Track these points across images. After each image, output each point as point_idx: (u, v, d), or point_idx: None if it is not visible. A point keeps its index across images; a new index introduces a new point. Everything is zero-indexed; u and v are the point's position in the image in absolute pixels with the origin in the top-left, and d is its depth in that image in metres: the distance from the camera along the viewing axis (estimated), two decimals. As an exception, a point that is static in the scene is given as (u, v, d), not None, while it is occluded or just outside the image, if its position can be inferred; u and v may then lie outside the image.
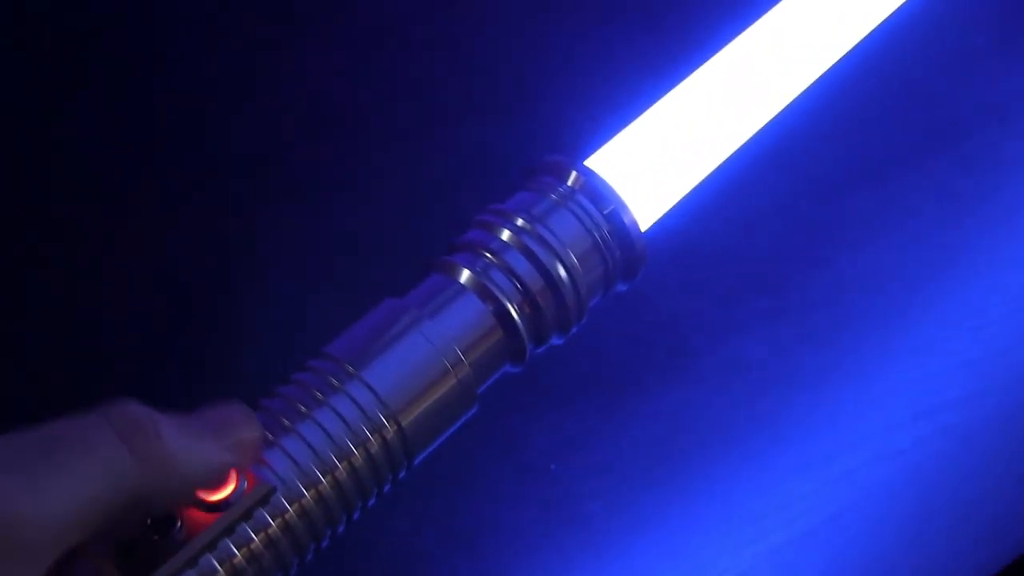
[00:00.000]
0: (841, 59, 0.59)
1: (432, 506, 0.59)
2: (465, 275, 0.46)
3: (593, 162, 0.50)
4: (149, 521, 0.38)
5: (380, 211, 0.67)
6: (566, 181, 0.48)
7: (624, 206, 0.48)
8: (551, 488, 0.60)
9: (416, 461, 0.44)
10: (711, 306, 0.66)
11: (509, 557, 0.58)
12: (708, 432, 0.62)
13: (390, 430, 0.42)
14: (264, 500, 0.39)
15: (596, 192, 0.47)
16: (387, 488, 0.44)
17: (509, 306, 0.45)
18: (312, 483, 0.41)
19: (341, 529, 0.43)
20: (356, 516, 0.43)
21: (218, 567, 0.38)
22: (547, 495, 0.60)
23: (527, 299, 0.46)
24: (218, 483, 0.38)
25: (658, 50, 0.65)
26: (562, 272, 0.46)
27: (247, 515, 0.39)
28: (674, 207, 0.53)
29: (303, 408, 0.42)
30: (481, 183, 0.67)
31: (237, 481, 0.39)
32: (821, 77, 0.58)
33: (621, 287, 0.50)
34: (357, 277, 0.64)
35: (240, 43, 0.72)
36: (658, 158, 0.51)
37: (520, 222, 0.46)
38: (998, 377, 0.64)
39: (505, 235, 0.46)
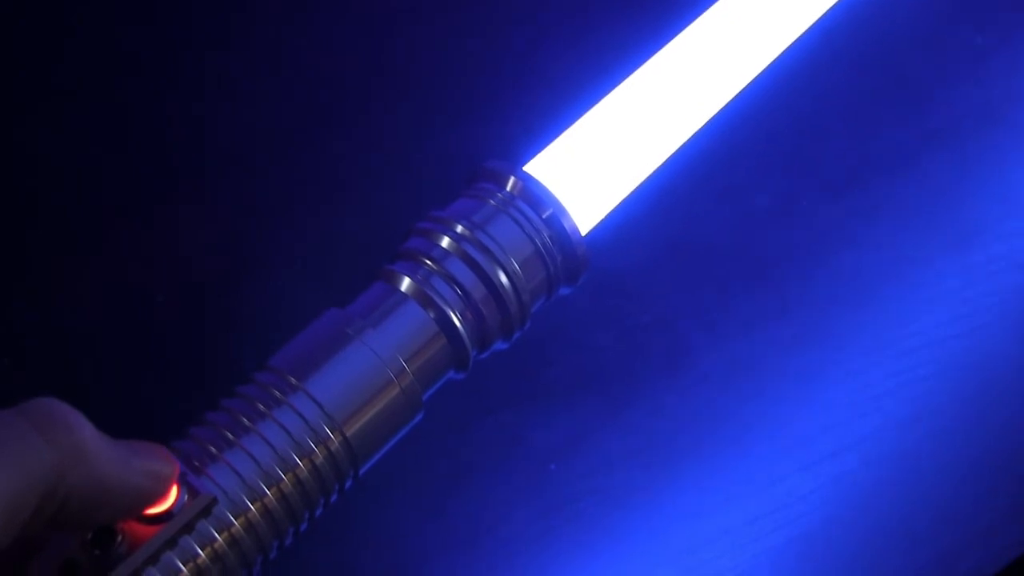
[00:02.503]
0: (839, 59, 0.59)
1: (432, 506, 0.59)
2: (407, 283, 0.46)
3: (533, 167, 0.50)
4: (90, 536, 0.38)
5: (381, 211, 0.67)
6: (505, 187, 0.48)
7: (563, 210, 0.48)
8: (551, 488, 0.60)
9: (362, 471, 0.44)
10: (710, 305, 0.66)
11: (509, 557, 0.58)
12: (708, 432, 0.62)
13: (335, 441, 0.42)
14: (206, 511, 0.39)
15: (535, 197, 0.48)
16: (334, 499, 0.44)
17: (451, 313, 0.46)
18: (257, 496, 0.41)
19: (289, 542, 0.43)
20: (304, 528, 0.43)
21: None
22: (547, 495, 0.60)
23: (469, 306, 0.46)
24: (136, 502, 0.38)
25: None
26: (503, 278, 0.46)
27: (189, 527, 0.39)
28: (669, 208, 0.53)
29: (247, 421, 0.42)
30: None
31: (178, 494, 0.39)
32: (821, 77, 0.58)
33: (564, 291, 0.50)
34: (358, 277, 0.64)
35: (241, 43, 0.72)
36: (598, 161, 0.51)
37: (460, 229, 0.47)
38: (998, 378, 0.65)
39: (445, 242, 0.46)
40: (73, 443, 0.35)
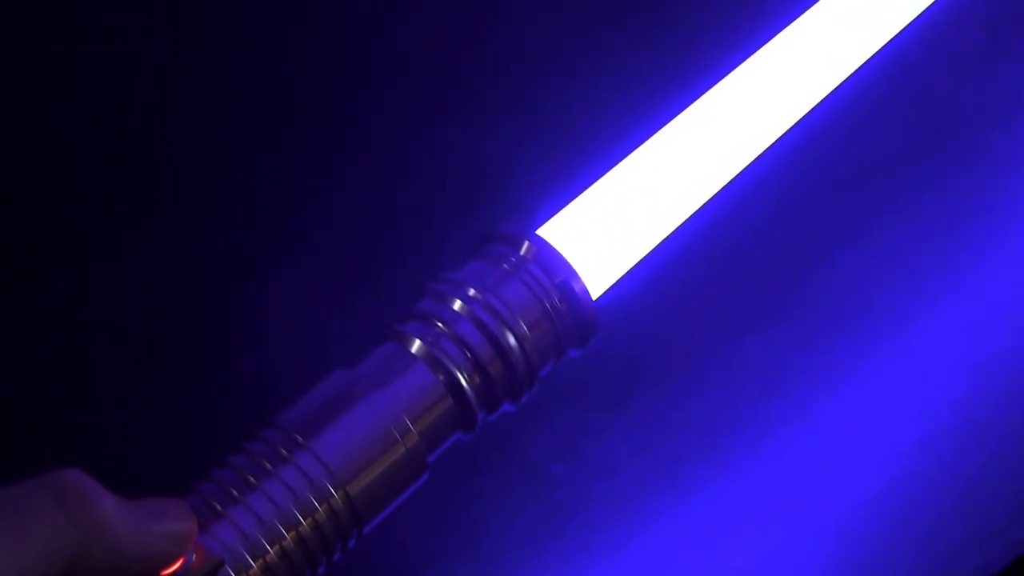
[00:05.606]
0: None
1: (433, 507, 0.59)
2: (416, 345, 0.46)
3: (547, 230, 0.51)
4: None
5: (383, 214, 0.68)
6: (518, 250, 0.49)
7: (575, 275, 0.48)
8: (553, 489, 0.60)
9: (367, 529, 0.45)
10: (712, 306, 0.66)
11: (510, 558, 0.59)
12: (709, 432, 0.62)
13: (338, 500, 0.43)
14: (212, 573, 0.40)
15: (547, 262, 0.48)
16: (336, 557, 0.44)
17: (459, 376, 0.46)
18: (259, 553, 0.41)
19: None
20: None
21: None
22: (549, 496, 0.60)
23: (477, 369, 0.47)
24: (154, 566, 0.39)
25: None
26: (512, 341, 0.47)
27: None
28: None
29: (252, 479, 0.42)
30: (484, 185, 0.68)
31: (186, 554, 0.40)
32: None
33: (574, 353, 0.50)
34: (359, 278, 0.65)
35: (243, 43, 0.73)
36: (612, 225, 0.52)
37: (472, 292, 0.47)
38: (998, 379, 0.65)
39: (457, 305, 0.47)
40: (94, 519, 0.36)
